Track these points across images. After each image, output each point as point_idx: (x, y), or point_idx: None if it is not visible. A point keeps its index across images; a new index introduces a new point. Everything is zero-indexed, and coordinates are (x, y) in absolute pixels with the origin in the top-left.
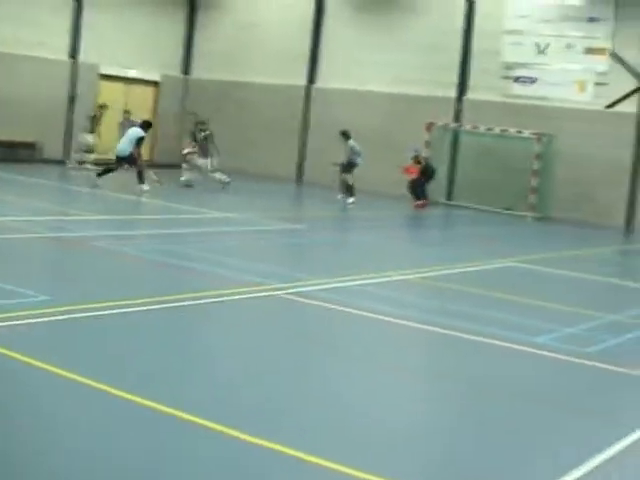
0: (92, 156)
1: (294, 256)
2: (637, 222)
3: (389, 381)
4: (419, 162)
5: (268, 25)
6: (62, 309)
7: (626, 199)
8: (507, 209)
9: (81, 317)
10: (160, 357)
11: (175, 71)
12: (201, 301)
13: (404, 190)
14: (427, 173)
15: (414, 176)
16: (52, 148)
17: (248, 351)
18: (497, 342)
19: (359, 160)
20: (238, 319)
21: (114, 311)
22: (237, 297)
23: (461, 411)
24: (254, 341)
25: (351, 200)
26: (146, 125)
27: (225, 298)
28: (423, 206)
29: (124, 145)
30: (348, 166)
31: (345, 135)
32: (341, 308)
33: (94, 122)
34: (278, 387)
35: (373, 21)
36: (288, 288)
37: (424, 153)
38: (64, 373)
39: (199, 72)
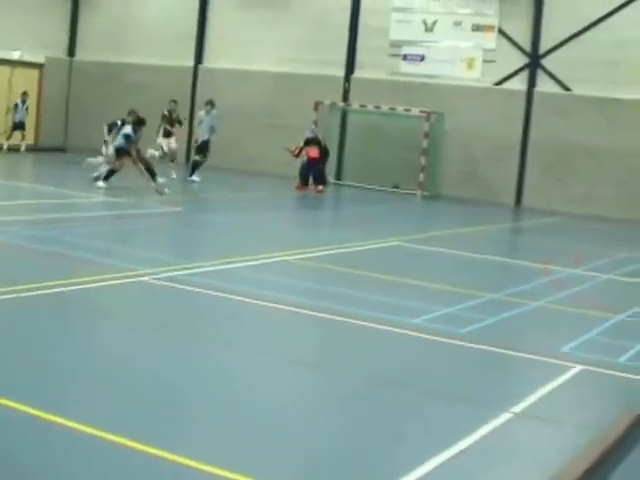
0: None
1: (169, 240)
2: (525, 200)
3: (252, 367)
4: (318, 142)
5: (154, 4)
6: None
7: (515, 177)
8: (395, 187)
9: None
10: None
11: (60, 52)
12: (62, 289)
13: (290, 170)
14: (326, 154)
15: (316, 156)
16: None
17: (103, 343)
18: (371, 324)
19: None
20: (100, 307)
21: None
22: (102, 284)
23: (322, 397)
24: (112, 331)
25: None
26: (138, 123)
27: (88, 285)
28: (323, 191)
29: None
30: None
31: (212, 104)
32: (213, 292)
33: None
34: (132, 381)
35: (259, 0)
36: (158, 273)
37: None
38: None
39: (84, 54)
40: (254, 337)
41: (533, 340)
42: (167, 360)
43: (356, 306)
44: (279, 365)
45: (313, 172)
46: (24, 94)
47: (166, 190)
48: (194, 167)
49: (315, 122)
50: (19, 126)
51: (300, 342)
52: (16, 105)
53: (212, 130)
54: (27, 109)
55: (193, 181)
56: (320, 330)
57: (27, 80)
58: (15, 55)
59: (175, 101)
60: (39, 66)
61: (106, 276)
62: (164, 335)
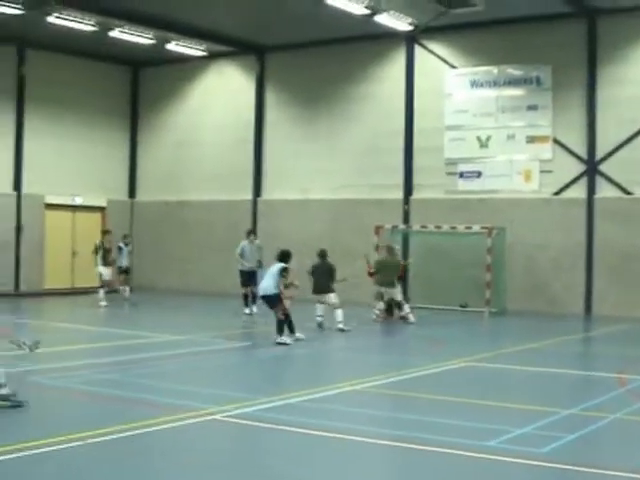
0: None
1: (237, 375)
2: (594, 308)
3: None
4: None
5: (208, 143)
6: None
7: (582, 285)
8: (463, 306)
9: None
10: None
11: (120, 195)
12: (131, 432)
13: (352, 297)
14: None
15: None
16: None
17: None
18: (446, 450)
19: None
20: (169, 449)
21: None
22: (172, 425)
23: None
24: (182, 473)
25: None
26: (285, 256)
27: (156, 428)
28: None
29: (268, 282)
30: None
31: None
32: (284, 427)
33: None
34: None
35: (313, 130)
36: (228, 410)
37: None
38: None
39: (143, 194)
40: (327, 472)
41: (617, 456)
42: None
43: (428, 432)
44: None
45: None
46: (125, 237)
47: None
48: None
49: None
50: (125, 270)
51: (373, 474)
52: (120, 248)
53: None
54: (131, 252)
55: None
56: (392, 460)
57: (90, 223)
58: (77, 200)
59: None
60: (101, 209)
61: (175, 417)
62: (236, 475)
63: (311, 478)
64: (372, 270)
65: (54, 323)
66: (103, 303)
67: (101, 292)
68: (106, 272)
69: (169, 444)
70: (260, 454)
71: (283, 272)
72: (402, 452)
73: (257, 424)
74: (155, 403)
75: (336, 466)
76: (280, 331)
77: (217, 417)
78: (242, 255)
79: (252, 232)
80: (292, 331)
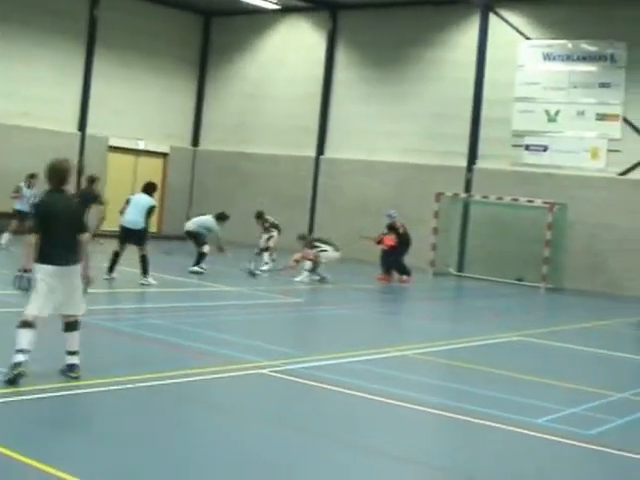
0: None
1: (287, 331)
2: None
3: (361, 465)
4: (395, 229)
5: (276, 98)
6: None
7: None
8: (519, 280)
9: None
10: (126, 447)
11: (184, 142)
12: (179, 380)
13: (410, 261)
14: (406, 243)
15: (392, 244)
16: None
17: (216, 436)
18: (492, 424)
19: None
20: (215, 399)
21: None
22: (219, 376)
23: None
24: (226, 424)
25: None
26: (150, 188)
27: (205, 377)
28: (408, 282)
29: (136, 216)
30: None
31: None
32: (329, 386)
33: None
34: (245, 476)
35: (382, 92)
36: (277, 365)
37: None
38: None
39: (207, 143)
40: (366, 434)
41: None
42: (281, 454)
43: (476, 404)
44: (398, 465)
45: (386, 263)
46: (32, 176)
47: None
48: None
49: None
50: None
51: (414, 441)
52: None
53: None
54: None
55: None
56: (436, 429)
57: (152, 168)
58: (140, 145)
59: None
60: (163, 155)
61: (223, 367)
62: (279, 429)
63: (354, 440)
64: (377, 239)
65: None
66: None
67: None
68: None
69: (213, 395)
70: (304, 412)
71: (151, 210)
72: (448, 422)
73: (304, 381)
74: (203, 352)
75: (379, 431)
76: (145, 272)
77: (265, 371)
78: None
79: (224, 216)
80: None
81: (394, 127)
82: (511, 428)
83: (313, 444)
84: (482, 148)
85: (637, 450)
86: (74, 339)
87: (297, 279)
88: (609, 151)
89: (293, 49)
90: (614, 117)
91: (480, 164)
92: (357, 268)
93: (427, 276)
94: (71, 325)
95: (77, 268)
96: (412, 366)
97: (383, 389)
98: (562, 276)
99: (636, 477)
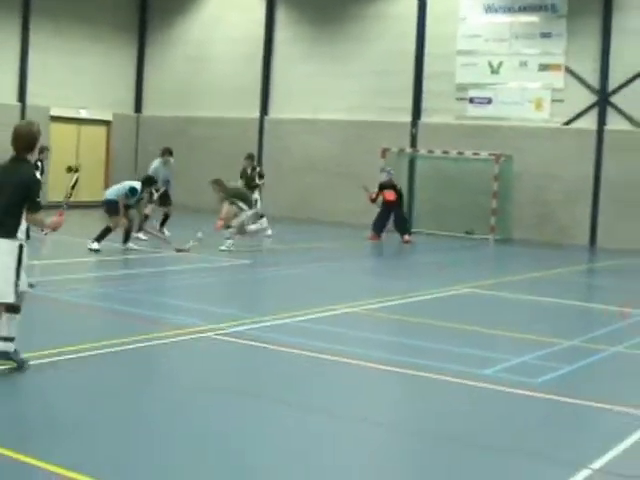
0: None
1: (234, 294)
2: (600, 240)
3: (316, 427)
4: (394, 186)
5: (218, 59)
6: None
7: (589, 217)
8: (468, 233)
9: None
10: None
11: (127, 109)
12: (126, 347)
13: (361, 219)
14: (401, 199)
15: (393, 199)
16: None
17: (165, 405)
18: (441, 377)
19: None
20: (163, 365)
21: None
22: (166, 341)
23: (393, 458)
24: (174, 392)
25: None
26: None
27: (151, 343)
28: (410, 241)
29: (114, 189)
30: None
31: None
32: (277, 347)
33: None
34: (196, 445)
35: (324, 50)
36: (225, 328)
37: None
38: None
39: (150, 109)
40: (312, 393)
41: (611, 389)
42: (231, 422)
43: (424, 358)
44: (343, 423)
45: (395, 219)
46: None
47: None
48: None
49: (385, 168)
50: None
51: (365, 398)
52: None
53: (168, 183)
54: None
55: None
56: (383, 385)
57: (95, 137)
58: (82, 113)
59: (252, 156)
60: (106, 123)
61: (169, 333)
62: (224, 394)
63: (300, 400)
64: (373, 195)
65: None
66: None
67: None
68: None
69: (157, 361)
70: (249, 374)
71: (130, 193)
72: (395, 378)
73: (251, 343)
74: (150, 318)
75: (326, 389)
76: (100, 238)
77: (210, 334)
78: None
79: (168, 151)
80: (98, 240)
81: (338, 85)
82: (458, 380)
83: (258, 406)
84: (426, 103)
85: (583, 396)
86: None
87: (222, 247)
88: (553, 101)
89: (233, 9)
90: (557, 67)
91: (425, 119)
92: (307, 228)
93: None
94: None
95: (4, 244)
96: (360, 323)
97: (330, 347)
98: (510, 227)
99: (582, 423)
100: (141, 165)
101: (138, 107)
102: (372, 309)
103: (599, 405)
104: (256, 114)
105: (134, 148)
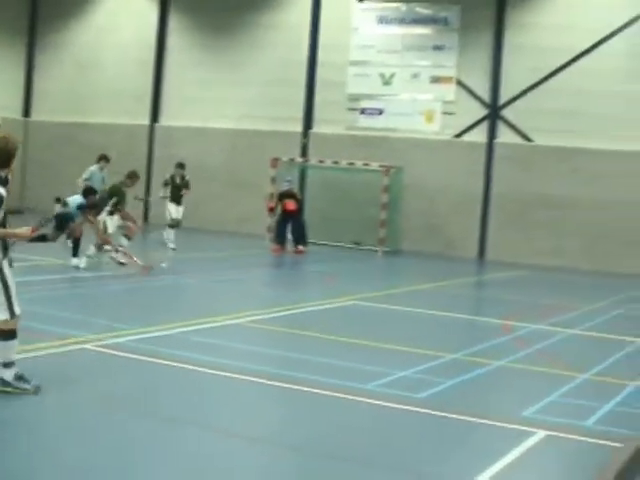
0: None
1: (116, 304)
2: (488, 253)
3: (188, 444)
4: (293, 196)
5: (109, 64)
6: None
7: (478, 230)
8: (356, 244)
9: None
10: None
11: (15, 113)
12: None
13: (253, 228)
14: (302, 208)
15: (294, 208)
16: None
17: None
18: (321, 391)
19: None
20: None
21: None
22: (39, 353)
23: (259, 473)
24: (55, 411)
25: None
26: (88, 193)
27: (24, 355)
28: (303, 252)
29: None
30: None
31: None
32: (155, 360)
33: None
34: (67, 462)
35: (217, 58)
36: (103, 339)
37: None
38: None
39: (39, 114)
40: (189, 407)
41: (493, 404)
42: (101, 437)
43: (305, 371)
44: (219, 440)
45: (293, 228)
46: None
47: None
48: None
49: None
50: None
51: (242, 413)
52: None
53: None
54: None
55: None
56: (265, 399)
57: None
58: None
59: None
60: None
61: (43, 345)
62: (102, 409)
63: (180, 414)
64: (272, 205)
65: None
66: None
67: None
68: None
69: (30, 375)
70: (125, 388)
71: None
72: (274, 391)
73: (130, 355)
74: (21, 328)
75: (201, 402)
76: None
77: (88, 346)
78: (89, 181)
79: (104, 158)
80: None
81: (229, 93)
82: (338, 395)
83: (127, 420)
84: (318, 112)
85: (464, 411)
86: None
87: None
88: (444, 113)
89: (124, 14)
90: (448, 79)
91: (316, 128)
92: (198, 236)
93: (264, 242)
94: None
95: None
96: (244, 335)
97: (211, 360)
98: (399, 239)
99: (463, 438)
100: (31, 170)
101: (26, 111)
102: (258, 320)
103: (481, 421)
104: (146, 121)
105: (22, 153)
